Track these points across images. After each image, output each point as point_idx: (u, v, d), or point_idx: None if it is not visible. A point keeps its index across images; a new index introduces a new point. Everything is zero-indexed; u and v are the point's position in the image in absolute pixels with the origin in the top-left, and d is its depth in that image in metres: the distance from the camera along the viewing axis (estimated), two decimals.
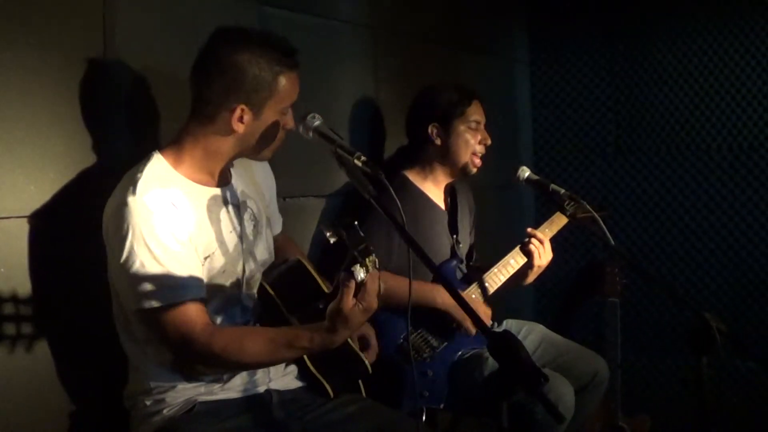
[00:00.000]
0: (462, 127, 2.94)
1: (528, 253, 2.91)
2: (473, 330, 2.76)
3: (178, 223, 1.95)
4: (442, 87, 3.00)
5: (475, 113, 2.97)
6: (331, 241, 1.76)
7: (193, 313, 1.91)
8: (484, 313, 2.84)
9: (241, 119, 2.02)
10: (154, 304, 1.89)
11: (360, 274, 1.75)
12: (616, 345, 3.36)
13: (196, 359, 1.99)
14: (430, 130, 2.94)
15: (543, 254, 2.90)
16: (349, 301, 1.80)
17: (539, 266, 2.92)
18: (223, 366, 2.02)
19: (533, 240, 2.90)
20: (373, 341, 2.49)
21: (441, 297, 2.74)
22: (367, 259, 1.74)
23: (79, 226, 2.10)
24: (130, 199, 1.91)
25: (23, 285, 2.00)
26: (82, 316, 2.13)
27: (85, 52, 2.16)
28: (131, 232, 1.89)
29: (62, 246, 2.10)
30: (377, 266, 1.78)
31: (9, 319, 1.95)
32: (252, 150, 2.11)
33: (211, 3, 2.54)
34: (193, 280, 1.95)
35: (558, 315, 4.44)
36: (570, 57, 4.44)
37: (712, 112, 4.10)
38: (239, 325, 2.13)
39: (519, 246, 2.94)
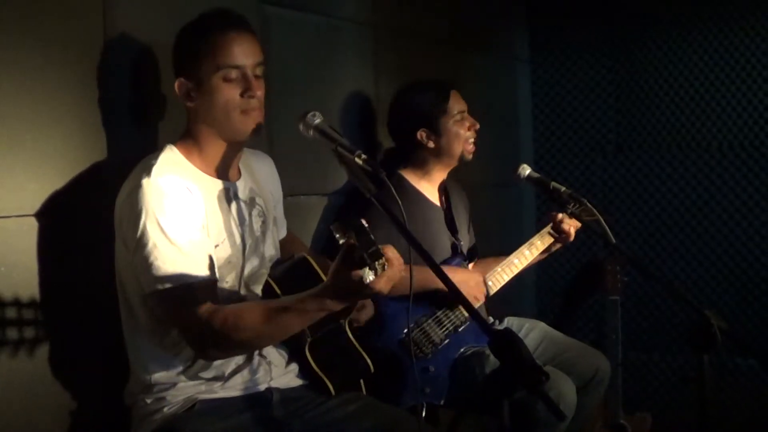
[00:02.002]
0: (449, 123, 2.94)
1: (561, 230, 3.00)
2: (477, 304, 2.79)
3: (192, 207, 1.97)
4: (415, 89, 2.99)
5: (457, 105, 2.97)
6: (341, 242, 1.74)
7: (201, 295, 1.91)
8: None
9: (186, 94, 2.06)
10: (167, 285, 1.88)
11: (369, 276, 1.72)
12: (616, 343, 3.36)
13: (201, 341, 1.94)
14: (419, 136, 2.94)
15: (571, 234, 3.01)
16: (345, 266, 1.75)
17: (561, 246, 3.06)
18: (226, 344, 1.94)
19: (564, 218, 2.98)
20: (368, 301, 2.37)
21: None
22: (376, 263, 1.71)
23: (81, 224, 2.10)
24: (145, 181, 1.92)
25: (24, 284, 2.00)
26: (83, 314, 2.13)
27: (86, 49, 2.16)
28: (145, 212, 1.90)
29: (63, 244, 2.10)
30: (386, 268, 1.75)
31: (9, 318, 1.95)
32: (223, 127, 2.07)
33: (212, 2, 2.53)
34: (205, 264, 1.95)
35: (559, 313, 4.44)
36: (570, 55, 4.44)
37: (712, 110, 4.10)
38: None
39: (545, 229, 3.03)
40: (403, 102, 3.00)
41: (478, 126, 3.00)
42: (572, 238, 3.03)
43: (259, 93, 2.09)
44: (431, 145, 2.95)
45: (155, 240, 1.89)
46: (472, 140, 2.99)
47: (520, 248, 2.97)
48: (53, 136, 2.08)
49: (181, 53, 2.10)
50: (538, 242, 3.02)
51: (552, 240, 3.03)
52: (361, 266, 1.71)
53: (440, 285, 2.61)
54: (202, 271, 1.94)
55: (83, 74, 2.15)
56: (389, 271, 1.75)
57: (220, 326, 1.89)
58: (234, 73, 2.05)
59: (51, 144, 2.07)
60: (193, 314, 1.89)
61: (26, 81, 2.01)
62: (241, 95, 2.06)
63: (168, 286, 1.89)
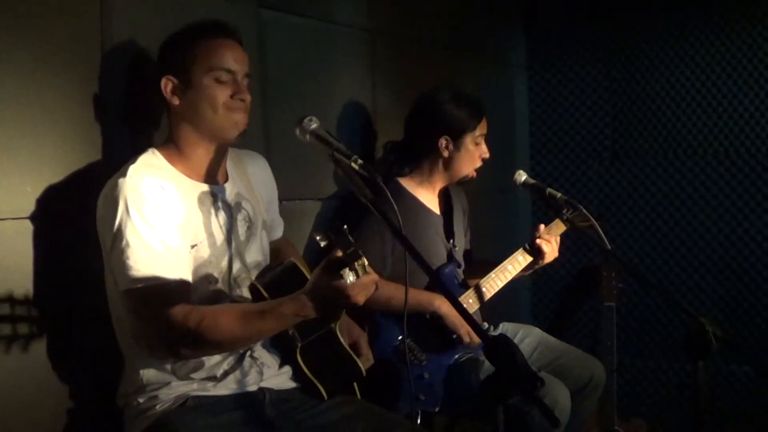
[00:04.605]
0: (470, 142, 2.95)
1: (538, 250, 2.93)
2: (468, 339, 2.76)
3: (167, 207, 1.98)
4: (453, 99, 2.96)
5: (483, 128, 2.99)
6: (322, 245, 1.80)
7: (174, 294, 1.92)
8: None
9: (173, 91, 2.09)
10: (140, 285, 1.90)
11: (349, 277, 1.78)
12: (612, 349, 3.37)
13: (175, 340, 1.94)
14: (440, 142, 2.93)
15: (551, 252, 2.95)
16: (326, 272, 1.82)
17: (543, 263, 2.97)
18: (200, 344, 1.95)
19: (543, 237, 2.93)
20: (365, 350, 2.42)
21: (438, 303, 2.75)
22: (356, 263, 1.76)
23: (76, 226, 2.10)
24: (120, 181, 1.95)
25: (20, 286, 2.00)
26: (78, 316, 2.14)
27: (82, 54, 2.16)
28: (120, 211, 1.92)
29: (59, 247, 2.10)
30: (366, 270, 1.81)
31: (5, 320, 1.95)
32: (208, 125, 2.10)
33: (210, 6, 2.54)
34: (178, 263, 1.97)
35: (554, 319, 4.44)
36: (567, 62, 4.44)
37: (709, 116, 4.10)
38: None
39: (522, 247, 2.97)
40: (438, 105, 2.96)
41: (488, 155, 3.00)
42: (551, 255, 2.96)
43: (248, 98, 2.13)
44: (446, 154, 2.95)
45: (129, 239, 1.91)
46: (478, 166, 3.00)
47: (514, 254, 2.97)
48: (49, 138, 2.08)
49: (173, 52, 2.12)
50: (520, 257, 3.00)
51: (532, 258, 2.99)
52: (341, 268, 1.77)
53: (428, 309, 2.71)
54: (176, 271, 1.95)
55: (80, 77, 2.15)
56: (366, 277, 1.82)
57: (195, 326, 1.90)
58: (225, 76, 2.10)
59: (47, 147, 2.07)
60: (168, 313, 1.89)
61: (23, 84, 2.01)
62: (231, 96, 2.10)
63: (141, 285, 1.90)
